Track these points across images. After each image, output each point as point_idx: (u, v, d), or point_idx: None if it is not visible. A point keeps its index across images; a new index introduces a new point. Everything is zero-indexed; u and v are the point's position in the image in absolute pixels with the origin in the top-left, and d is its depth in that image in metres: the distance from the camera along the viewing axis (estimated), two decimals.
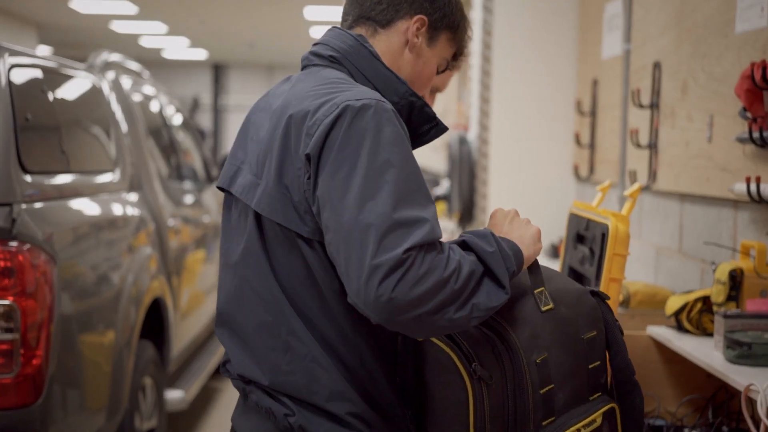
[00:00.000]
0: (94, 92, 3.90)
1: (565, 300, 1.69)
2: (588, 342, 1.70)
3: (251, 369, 1.66)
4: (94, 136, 3.84)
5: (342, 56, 1.70)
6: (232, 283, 1.71)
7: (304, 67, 1.75)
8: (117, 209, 3.60)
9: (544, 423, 1.62)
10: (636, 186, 2.32)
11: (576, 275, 2.57)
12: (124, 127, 4.11)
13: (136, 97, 4.53)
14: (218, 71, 19.53)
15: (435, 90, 2.15)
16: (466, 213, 5.16)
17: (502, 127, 4.92)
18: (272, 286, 1.63)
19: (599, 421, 1.69)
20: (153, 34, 14.52)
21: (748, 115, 2.54)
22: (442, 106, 10.05)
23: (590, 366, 1.69)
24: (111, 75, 4.30)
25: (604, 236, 2.25)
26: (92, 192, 3.43)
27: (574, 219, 2.61)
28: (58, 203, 3.04)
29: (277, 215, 1.59)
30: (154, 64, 18.63)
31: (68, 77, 3.60)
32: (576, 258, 2.52)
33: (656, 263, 3.53)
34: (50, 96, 3.23)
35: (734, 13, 2.77)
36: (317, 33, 12.68)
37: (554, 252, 4.76)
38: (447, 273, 1.46)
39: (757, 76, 2.42)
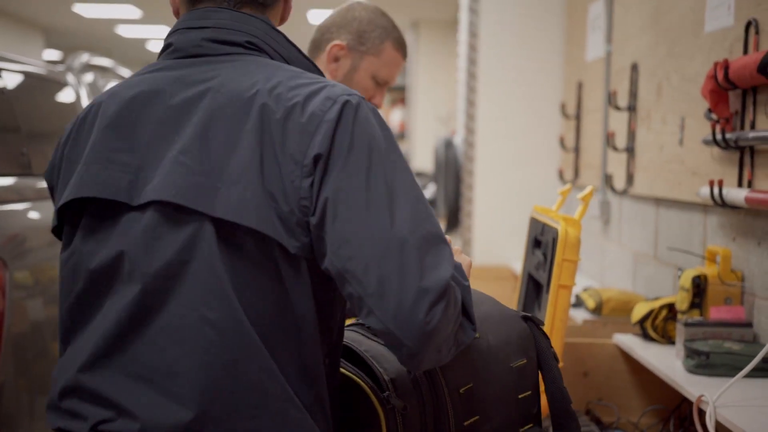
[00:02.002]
0: (66, 95, 3.85)
1: (493, 327, 1.60)
2: (518, 371, 1.60)
3: (179, 418, 1.35)
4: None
5: (261, 41, 1.51)
6: (128, 310, 1.39)
7: (203, 55, 1.50)
8: None
9: None
10: (588, 189, 2.25)
11: (533, 282, 2.50)
12: None
13: None
14: None
15: None
16: (453, 218, 5.08)
17: (488, 130, 4.84)
18: (234, 312, 1.35)
19: None
20: (159, 39, 14.52)
21: (713, 116, 2.47)
22: (446, 110, 10.01)
23: (520, 396, 1.59)
24: (89, 77, 4.26)
25: (555, 241, 2.18)
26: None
27: (533, 223, 2.54)
28: (14, 207, 2.98)
29: (263, 224, 1.35)
30: None
31: (36, 78, 3.55)
32: (533, 264, 2.44)
33: (634, 270, 3.44)
34: (10, 97, 3.18)
35: (704, 13, 2.69)
36: None
37: None
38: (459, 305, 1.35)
39: (720, 76, 2.35)
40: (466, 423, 1.52)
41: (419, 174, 8.79)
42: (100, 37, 14.24)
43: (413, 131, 11.08)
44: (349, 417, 1.52)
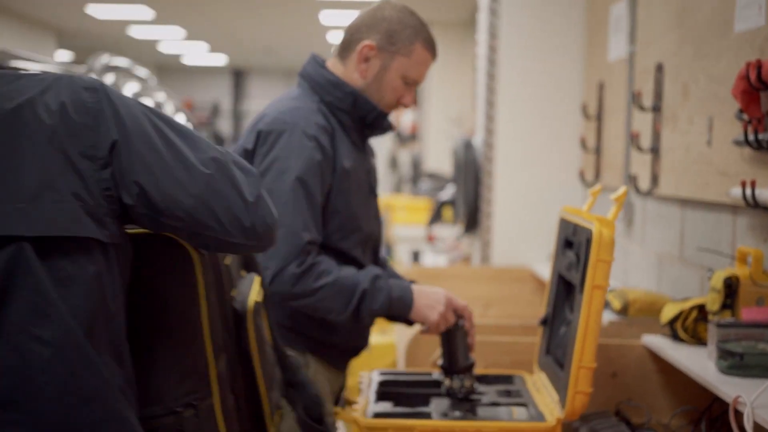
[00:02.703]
0: None
1: None
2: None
3: None
4: None
5: None
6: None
7: None
8: None
9: None
10: (622, 190, 2.24)
11: (564, 283, 2.50)
12: None
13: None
14: (238, 77, 19.53)
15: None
16: (472, 219, 5.07)
17: (507, 131, 4.84)
18: (66, 326, 1.41)
19: None
20: (171, 40, 14.54)
21: (745, 116, 2.46)
22: (458, 111, 10.00)
23: None
24: (110, 78, 4.26)
25: (588, 241, 2.17)
26: None
27: (563, 224, 2.53)
28: None
29: (75, 227, 1.45)
30: (174, 70, 18.70)
31: None
32: (564, 264, 2.44)
33: (659, 271, 3.44)
34: None
35: (733, 12, 2.69)
36: (334, 38, 12.61)
37: None
38: None
39: (752, 76, 2.34)
40: None
41: (433, 176, 8.78)
42: (112, 39, 14.28)
43: (425, 133, 11.07)
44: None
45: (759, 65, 2.32)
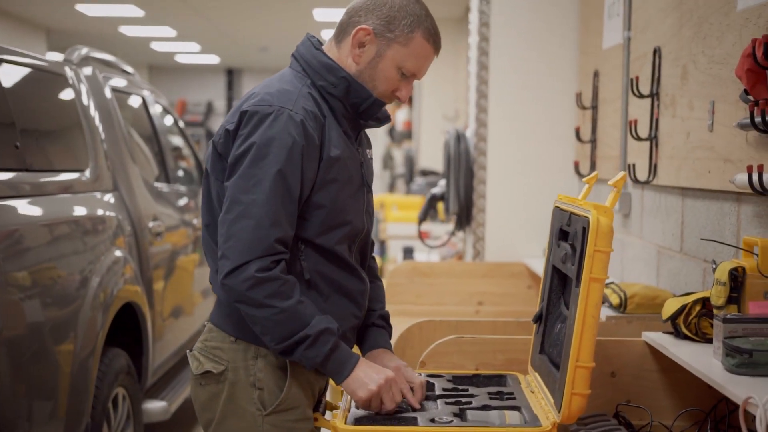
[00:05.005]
0: (63, 87, 3.71)
1: None
2: None
3: None
4: (62, 133, 3.65)
5: None
6: None
7: None
8: (81, 209, 3.40)
9: None
10: (620, 175, 2.09)
11: (558, 276, 2.34)
12: (99, 124, 3.91)
13: (119, 96, 4.34)
14: (232, 76, 19.36)
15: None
16: (464, 214, 4.92)
17: (500, 123, 4.69)
18: None
19: None
20: (163, 39, 14.38)
21: (750, 97, 2.31)
22: (453, 108, 9.86)
23: None
24: (88, 71, 4.11)
25: (585, 231, 2.02)
26: (53, 191, 3.24)
27: (557, 213, 2.38)
28: (9, 203, 2.84)
29: None
30: (168, 68, 18.53)
31: (32, 70, 3.40)
32: (559, 256, 2.28)
33: (658, 264, 3.28)
34: (3, 88, 3.04)
35: None
36: (328, 36, 12.45)
37: None
38: None
39: (759, 53, 2.19)
40: None
41: (428, 173, 8.63)
42: (103, 37, 14.10)
43: (420, 130, 10.93)
44: None
45: (766, 41, 2.17)
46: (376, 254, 2.44)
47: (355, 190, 2.23)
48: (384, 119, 2.32)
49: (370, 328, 2.34)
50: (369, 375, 2.09)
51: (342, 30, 2.25)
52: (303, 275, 2.15)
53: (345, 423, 2.05)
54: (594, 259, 1.99)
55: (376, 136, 15.07)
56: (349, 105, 2.21)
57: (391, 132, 12.78)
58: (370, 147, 2.39)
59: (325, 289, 2.19)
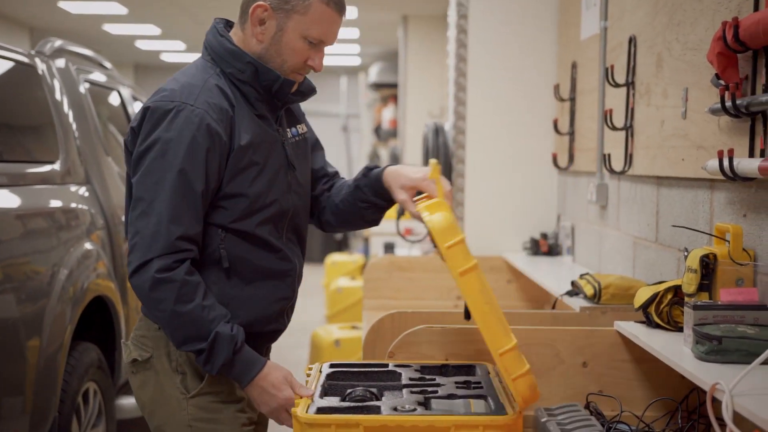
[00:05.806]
0: (33, 78, 3.65)
1: None
2: None
3: None
4: (31, 124, 3.60)
5: None
6: None
7: None
8: (53, 202, 3.34)
9: None
10: (433, 162, 2.13)
11: None
12: (71, 116, 3.86)
13: (95, 89, 4.29)
14: None
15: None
16: None
17: (479, 115, 4.65)
18: None
19: None
20: (148, 37, 14.29)
21: (721, 82, 2.27)
22: (438, 106, 9.81)
23: None
24: (60, 63, 4.06)
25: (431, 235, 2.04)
26: (20, 182, 3.19)
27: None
28: None
29: None
30: (153, 67, 18.43)
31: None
32: None
33: (634, 255, 3.25)
34: None
35: None
36: None
37: (536, 248, 4.48)
38: None
39: (729, 36, 2.15)
40: None
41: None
42: (88, 35, 14.01)
43: (405, 128, 10.88)
44: None
45: (736, 24, 2.13)
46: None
47: (275, 172, 2.21)
48: (308, 92, 2.33)
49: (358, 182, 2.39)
50: (267, 391, 2.13)
51: (243, 12, 2.25)
52: (222, 264, 2.15)
53: (306, 412, 2.00)
54: (453, 255, 2.00)
55: (363, 135, 15.04)
56: (261, 88, 2.21)
57: (377, 130, 12.74)
58: (302, 122, 2.38)
59: (248, 274, 2.19)
